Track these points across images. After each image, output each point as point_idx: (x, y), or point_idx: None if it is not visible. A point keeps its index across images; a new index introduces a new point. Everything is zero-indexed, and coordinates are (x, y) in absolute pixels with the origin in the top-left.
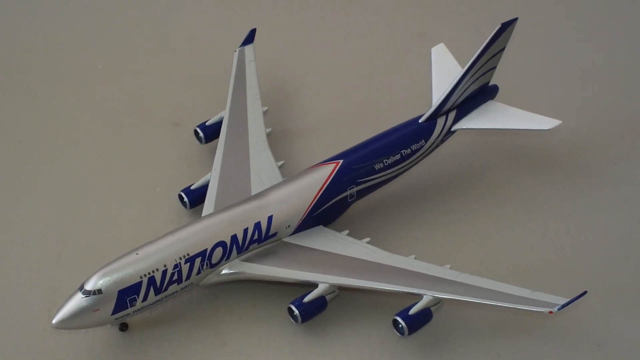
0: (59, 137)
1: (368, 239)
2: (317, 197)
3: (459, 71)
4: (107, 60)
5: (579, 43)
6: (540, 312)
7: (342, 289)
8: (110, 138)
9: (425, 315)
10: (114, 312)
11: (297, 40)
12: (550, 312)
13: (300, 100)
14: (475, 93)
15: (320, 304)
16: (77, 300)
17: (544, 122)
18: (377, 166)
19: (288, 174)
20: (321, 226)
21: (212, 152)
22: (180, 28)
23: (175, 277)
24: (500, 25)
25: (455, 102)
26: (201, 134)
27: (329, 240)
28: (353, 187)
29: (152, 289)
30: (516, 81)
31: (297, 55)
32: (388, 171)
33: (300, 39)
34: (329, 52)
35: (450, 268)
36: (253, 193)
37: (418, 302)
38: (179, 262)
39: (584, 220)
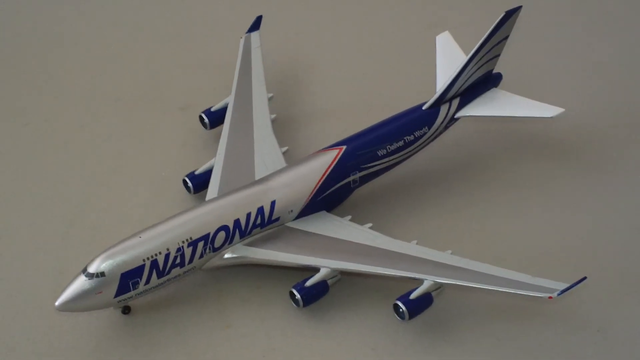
0: (66, 121)
1: (370, 225)
2: (321, 182)
3: (463, 59)
4: (116, 45)
5: (583, 31)
6: (540, 297)
7: (344, 273)
8: (118, 122)
9: (426, 300)
10: (116, 295)
11: (303, 27)
12: (550, 297)
13: (305, 86)
14: (479, 81)
15: (322, 288)
16: (80, 283)
17: (548, 110)
18: (381, 152)
19: (292, 159)
20: (324, 211)
21: (217, 138)
22: (189, 14)
23: (178, 260)
24: (504, 13)
25: (459, 89)
26: (206, 120)
27: (332, 226)
28: (356, 173)
29: (154, 272)
30: (520, 69)
31: (303, 42)
32: (391, 157)
33: (307, 25)
34: (335, 39)
35: (451, 253)
36: (257, 178)
37: (419, 286)
38: (182, 246)
39: (586, 206)
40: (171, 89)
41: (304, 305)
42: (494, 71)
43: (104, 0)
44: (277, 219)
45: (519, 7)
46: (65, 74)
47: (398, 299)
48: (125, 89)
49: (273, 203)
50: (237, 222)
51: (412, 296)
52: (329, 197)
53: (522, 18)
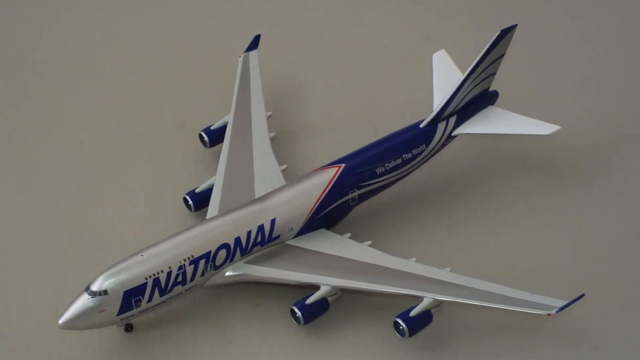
0: (65, 138)
1: (369, 242)
2: (320, 200)
3: (459, 77)
4: (115, 62)
5: (578, 48)
6: (538, 314)
7: (344, 291)
8: (117, 139)
9: (425, 317)
10: (119, 313)
11: (301, 43)
12: (549, 314)
13: (303, 103)
14: (475, 98)
15: (323, 305)
16: (83, 301)
17: (544, 128)
18: (379, 170)
19: (291, 177)
20: (323, 229)
21: (217, 156)
22: (187, 31)
23: (180, 278)
24: (499, 32)
25: (456, 107)
26: (206, 138)
27: (331, 243)
28: (355, 191)
29: (157, 290)
30: (516, 87)
31: (301, 58)
32: (389, 175)
33: (305, 41)
34: (333, 55)
35: (450, 271)
36: (256, 196)
37: (419, 304)
38: (184, 264)
39: (583, 223)
40: (170, 106)
41: (305, 323)
42: (491, 89)
43: (102, 18)
44: (277, 237)
45: (514, 26)
46: (64, 91)
47: (398, 317)
48: (125, 106)
49: (273, 221)
50: (237, 240)
51: (412, 313)
52: (328, 215)
53: (518, 36)
